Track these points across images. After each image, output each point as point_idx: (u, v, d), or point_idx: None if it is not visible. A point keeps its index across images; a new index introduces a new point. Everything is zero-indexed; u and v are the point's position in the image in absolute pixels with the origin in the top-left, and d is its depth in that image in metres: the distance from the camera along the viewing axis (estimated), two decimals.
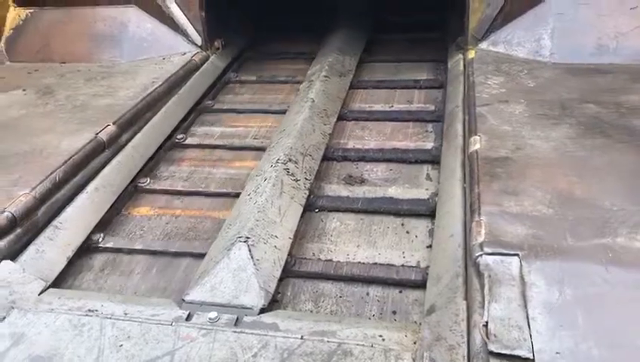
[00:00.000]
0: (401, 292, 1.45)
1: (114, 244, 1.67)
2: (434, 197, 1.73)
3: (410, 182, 1.87)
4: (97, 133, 1.92)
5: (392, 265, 1.52)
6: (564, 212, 1.33)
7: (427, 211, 1.69)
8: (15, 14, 2.83)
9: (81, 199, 1.73)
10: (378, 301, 1.43)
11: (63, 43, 2.74)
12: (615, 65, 2.09)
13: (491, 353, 0.99)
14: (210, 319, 1.29)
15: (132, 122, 2.09)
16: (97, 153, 1.88)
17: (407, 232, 1.65)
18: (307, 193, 1.77)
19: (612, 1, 2.17)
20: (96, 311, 1.32)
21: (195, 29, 2.71)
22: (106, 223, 1.76)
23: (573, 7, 2.21)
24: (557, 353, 0.98)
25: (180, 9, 2.68)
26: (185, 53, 2.68)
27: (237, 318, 1.29)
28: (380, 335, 1.21)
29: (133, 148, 2.01)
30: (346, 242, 1.63)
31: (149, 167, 2.04)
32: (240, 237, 1.48)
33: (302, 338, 1.21)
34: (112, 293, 1.47)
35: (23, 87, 2.39)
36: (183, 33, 2.71)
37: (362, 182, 1.90)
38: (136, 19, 2.72)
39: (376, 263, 1.53)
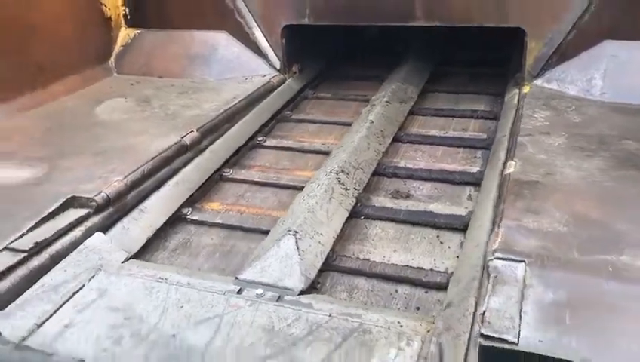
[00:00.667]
0: (426, 292, 1.62)
1: (186, 230, 1.96)
2: (470, 214, 1.89)
3: (451, 201, 2.04)
4: (182, 137, 2.24)
5: (422, 269, 1.69)
6: (577, 231, 1.46)
7: (462, 226, 1.85)
8: (125, 34, 3.28)
9: (164, 190, 2.03)
10: (405, 297, 1.61)
11: (162, 60, 3.14)
12: None
13: (482, 335, 1.16)
14: (256, 294, 1.52)
15: (212, 130, 2.40)
16: (180, 154, 2.20)
17: (441, 243, 1.82)
18: (354, 201, 1.98)
19: None
20: (166, 279, 1.59)
21: (275, 54, 3.03)
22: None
23: (626, 50, 2.31)
24: (540, 341, 1.13)
25: (264, 36, 3.01)
26: (265, 75, 3.00)
27: (279, 296, 1.51)
28: (399, 322, 1.39)
29: (211, 152, 2.32)
30: (384, 246, 1.83)
31: (232, 162, 2.39)
32: (289, 230, 1.72)
33: (330, 316, 1.41)
34: (179, 268, 1.75)
35: (125, 96, 2.79)
36: (265, 57, 3.04)
37: (407, 196, 2.09)
38: (225, 43, 3.08)
39: (407, 266, 1.71)
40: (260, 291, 1.53)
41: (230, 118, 2.54)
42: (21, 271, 1.54)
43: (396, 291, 1.64)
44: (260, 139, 2.59)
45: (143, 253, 1.81)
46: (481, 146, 2.36)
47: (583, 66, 2.40)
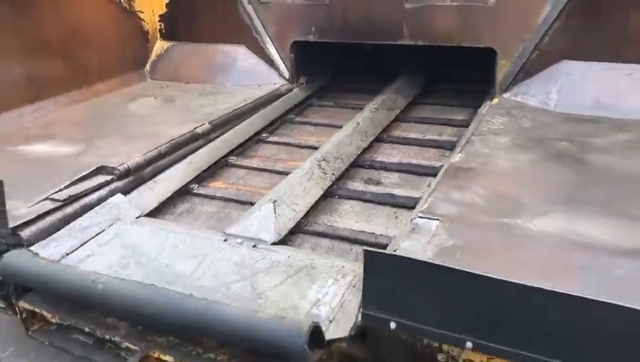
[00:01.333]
0: None
1: (191, 201, 2.40)
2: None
3: (412, 187, 2.41)
4: (195, 128, 2.70)
5: (374, 233, 2.08)
6: (490, 203, 1.83)
7: (415, 205, 2.23)
8: (160, 45, 3.80)
9: (176, 168, 2.47)
10: (356, 253, 1.99)
11: (189, 68, 3.64)
12: (606, 118, 2.50)
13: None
14: (237, 242, 1.93)
15: (223, 124, 2.86)
16: (193, 140, 2.66)
17: (397, 217, 2.20)
18: (330, 183, 2.38)
19: (613, 65, 2.61)
20: (168, 229, 2.02)
21: (286, 67, 3.49)
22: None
23: (579, 69, 2.67)
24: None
25: (276, 50, 3.49)
26: (275, 84, 3.46)
27: (254, 245, 1.91)
28: (342, 265, 1.77)
29: (221, 142, 2.76)
30: (349, 218, 2.21)
31: (238, 152, 2.81)
32: (270, 199, 2.13)
33: (289, 257, 1.81)
34: (181, 224, 2.18)
35: (155, 96, 3.28)
36: (276, 68, 3.50)
37: (377, 183, 2.47)
38: (243, 55, 3.57)
39: (363, 231, 2.10)
40: (239, 241, 1.94)
41: (239, 116, 2.99)
42: (57, 215, 2.00)
43: (351, 249, 2.02)
44: (264, 135, 3.03)
45: (154, 213, 2.24)
46: (450, 147, 2.73)
47: (543, 82, 2.76)
